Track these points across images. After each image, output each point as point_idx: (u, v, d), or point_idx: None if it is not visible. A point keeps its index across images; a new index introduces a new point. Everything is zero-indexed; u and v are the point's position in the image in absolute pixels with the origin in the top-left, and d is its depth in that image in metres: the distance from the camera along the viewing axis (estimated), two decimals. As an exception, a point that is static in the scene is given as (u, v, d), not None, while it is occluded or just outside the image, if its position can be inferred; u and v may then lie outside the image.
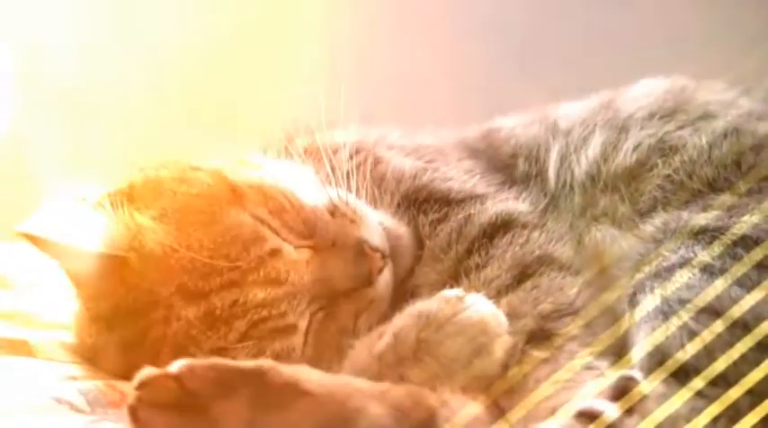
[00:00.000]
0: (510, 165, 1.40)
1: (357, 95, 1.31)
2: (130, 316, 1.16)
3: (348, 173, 1.31)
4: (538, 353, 1.11)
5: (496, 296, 1.16)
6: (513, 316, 1.12)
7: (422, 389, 1.04)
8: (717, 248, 1.15)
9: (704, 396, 1.03)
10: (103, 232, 1.18)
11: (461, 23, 2.36)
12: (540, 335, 1.13)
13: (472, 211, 1.29)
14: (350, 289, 1.20)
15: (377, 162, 1.36)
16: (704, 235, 1.17)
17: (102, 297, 1.18)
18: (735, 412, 1.03)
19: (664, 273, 1.14)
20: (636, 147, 1.34)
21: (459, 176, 1.36)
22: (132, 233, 1.18)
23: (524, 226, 1.27)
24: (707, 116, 1.36)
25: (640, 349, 1.09)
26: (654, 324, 1.09)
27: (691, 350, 1.05)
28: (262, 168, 1.29)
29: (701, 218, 1.21)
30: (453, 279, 1.23)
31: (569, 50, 2.30)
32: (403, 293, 1.25)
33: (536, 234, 1.26)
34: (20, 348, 1.25)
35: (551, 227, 1.28)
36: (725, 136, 1.32)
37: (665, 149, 1.33)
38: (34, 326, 1.32)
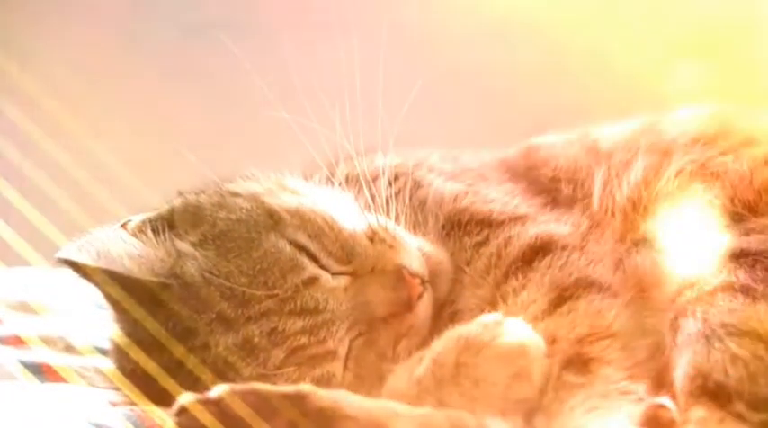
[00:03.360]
0: (552, 189, 1.39)
1: (395, 119, 1.31)
2: (170, 342, 1.16)
3: (388, 200, 1.30)
4: (573, 379, 1.09)
5: (533, 321, 1.15)
6: (549, 340, 1.11)
7: (462, 414, 1.03)
8: (761, 272, 1.13)
9: (746, 421, 1.02)
10: (144, 258, 1.19)
11: (497, 46, 2.36)
12: (576, 360, 1.11)
13: (512, 233, 1.28)
14: (389, 315, 1.20)
15: (417, 186, 1.36)
16: (746, 258, 1.16)
17: (142, 323, 1.18)
18: None
19: (706, 297, 1.13)
20: (678, 173, 1.33)
21: (500, 198, 1.35)
22: (173, 259, 1.19)
23: (564, 248, 1.26)
24: (749, 142, 1.35)
25: (681, 372, 1.07)
26: (695, 347, 1.08)
27: (733, 374, 1.03)
28: (300, 193, 1.29)
29: (744, 242, 1.19)
30: (491, 304, 1.22)
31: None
32: (443, 318, 1.24)
33: (575, 256, 1.25)
34: (59, 374, 1.25)
35: (592, 249, 1.27)
36: (766, 162, 1.30)
37: (706, 175, 1.31)
38: (74, 352, 1.33)
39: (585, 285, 1.20)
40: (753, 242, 1.19)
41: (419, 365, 1.09)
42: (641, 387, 1.08)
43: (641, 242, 1.28)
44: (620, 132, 1.44)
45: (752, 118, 1.42)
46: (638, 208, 1.32)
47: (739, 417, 1.01)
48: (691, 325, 1.10)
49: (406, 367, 1.12)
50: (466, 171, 1.43)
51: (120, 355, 1.24)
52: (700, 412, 1.02)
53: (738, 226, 1.23)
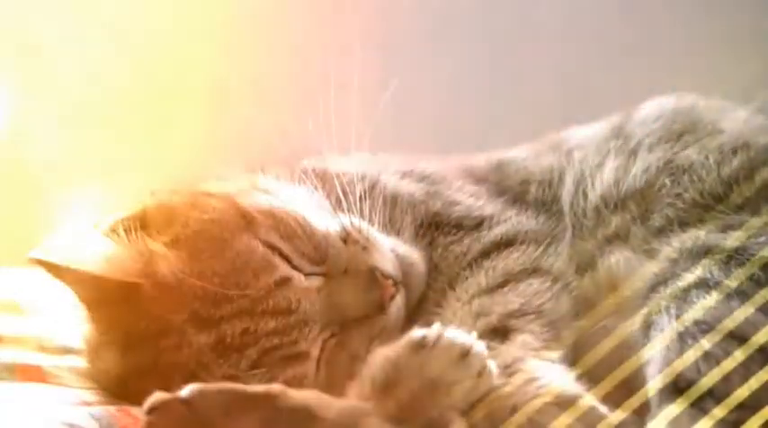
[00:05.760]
0: (521, 191, 1.41)
1: (365, 122, 1.32)
2: (142, 342, 1.16)
3: (360, 199, 1.31)
4: (494, 344, 1.11)
5: (471, 297, 1.18)
6: (482, 314, 1.14)
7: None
8: (735, 269, 1.14)
9: (720, 422, 1.02)
10: (116, 258, 1.18)
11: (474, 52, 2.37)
12: (500, 330, 1.14)
13: (482, 235, 1.31)
14: (362, 316, 1.20)
15: (385, 187, 1.37)
16: (721, 255, 1.17)
17: (115, 323, 1.18)
18: None
19: (679, 294, 1.14)
20: (645, 170, 1.34)
21: (464, 200, 1.37)
22: (145, 259, 1.18)
23: (523, 242, 1.29)
24: (714, 133, 1.36)
25: (654, 369, 1.08)
26: (668, 344, 1.08)
27: (705, 371, 1.04)
28: (273, 193, 1.29)
29: (720, 238, 1.20)
30: (443, 296, 1.25)
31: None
32: (416, 319, 1.24)
33: (532, 248, 1.28)
34: (32, 373, 1.25)
35: (552, 244, 1.30)
36: (734, 152, 1.32)
37: (673, 169, 1.33)
38: (46, 352, 1.33)
39: (532, 271, 1.24)
40: (727, 239, 1.19)
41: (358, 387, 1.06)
42: (555, 355, 1.11)
43: (613, 239, 1.30)
44: (591, 135, 1.46)
45: (719, 109, 1.43)
46: (609, 205, 1.33)
47: (711, 415, 1.02)
48: (664, 322, 1.11)
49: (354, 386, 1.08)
50: (429, 172, 1.44)
51: (92, 354, 1.24)
52: (671, 409, 1.03)
53: (714, 222, 1.24)
